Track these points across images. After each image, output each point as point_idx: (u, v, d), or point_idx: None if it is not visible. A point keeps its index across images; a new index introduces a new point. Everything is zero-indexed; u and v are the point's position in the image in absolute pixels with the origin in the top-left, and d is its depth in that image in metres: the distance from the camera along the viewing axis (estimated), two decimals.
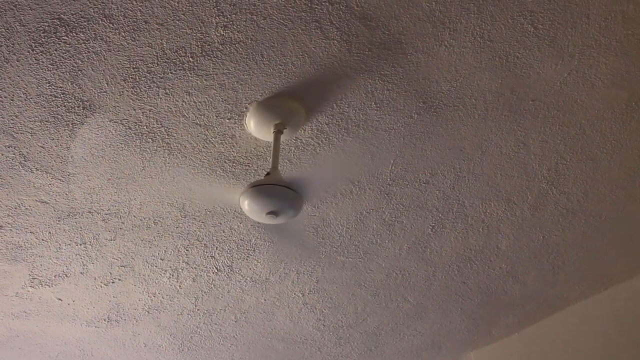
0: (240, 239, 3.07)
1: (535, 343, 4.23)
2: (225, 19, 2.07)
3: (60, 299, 3.40)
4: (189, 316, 3.55)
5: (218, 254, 3.15)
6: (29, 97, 2.30)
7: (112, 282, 3.23)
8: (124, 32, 2.10)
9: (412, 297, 3.68)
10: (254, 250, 3.16)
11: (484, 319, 4.03)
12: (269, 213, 2.50)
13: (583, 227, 3.24)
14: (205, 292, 3.39)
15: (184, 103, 2.39)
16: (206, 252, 3.13)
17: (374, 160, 2.72)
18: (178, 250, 3.09)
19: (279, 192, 2.49)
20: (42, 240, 2.98)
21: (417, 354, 4.23)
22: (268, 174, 2.53)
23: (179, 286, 3.32)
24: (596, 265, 3.62)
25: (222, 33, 2.12)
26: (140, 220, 2.90)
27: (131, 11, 2.03)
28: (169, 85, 2.31)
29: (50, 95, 2.30)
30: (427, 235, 3.22)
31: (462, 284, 3.63)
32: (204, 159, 2.62)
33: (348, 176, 2.80)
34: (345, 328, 3.87)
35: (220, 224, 2.97)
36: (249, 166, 2.67)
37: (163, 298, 3.38)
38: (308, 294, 3.53)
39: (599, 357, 3.95)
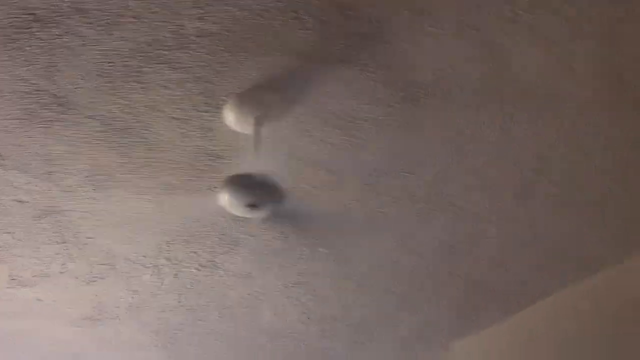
0: (222, 234, 3.04)
1: (521, 331, 4.23)
2: (201, 11, 2.04)
3: (40, 300, 3.36)
4: (173, 313, 3.52)
5: (200, 249, 3.12)
6: (2, 94, 2.26)
7: (93, 281, 3.20)
8: (99, 27, 2.06)
9: (398, 288, 3.66)
10: (236, 245, 3.13)
11: (470, 308, 4.03)
12: (248, 205, 2.48)
13: (570, 216, 3.24)
14: (188, 288, 3.36)
15: (160, 97, 2.36)
16: (187, 248, 3.10)
17: (356, 151, 2.70)
18: (159, 247, 3.06)
19: (258, 184, 2.47)
20: (20, 240, 2.94)
21: (404, 344, 4.23)
22: (247, 166, 2.51)
23: (161, 283, 3.29)
24: (583, 252, 3.62)
25: (197, 25, 2.09)
26: (120, 217, 2.86)
27: (105, 5, 1.99)
28: (145, 80, 2.27)
29: (25, 92, 2.26)
30: (412, 226, 3.21)
31: (448, 273, 3.62)
32: (182, 153, 2.59)
33: (330, 167, 2.78)
34: (330, 320, 3.85)
35: (201, 219, 2.93)
36: (228, 159, 2.64)
37: (145, 295, 3.35)
38: (291, 287, 3.51)
39: (585, 344, 3.95)
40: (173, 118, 2.45)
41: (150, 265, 3.16)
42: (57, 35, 2.07)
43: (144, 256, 3.09)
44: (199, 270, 3.25)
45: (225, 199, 2.49)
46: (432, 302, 3.85)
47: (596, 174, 2.95)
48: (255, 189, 2.47)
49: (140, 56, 2.18)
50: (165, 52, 2.18)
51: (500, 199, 3.10)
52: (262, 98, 2.46)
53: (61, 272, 3.16)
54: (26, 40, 2.08)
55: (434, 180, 2.92)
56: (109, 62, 2.19)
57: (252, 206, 2.48)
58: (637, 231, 3.50)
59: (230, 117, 2.49)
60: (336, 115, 2.51)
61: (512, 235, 3.38)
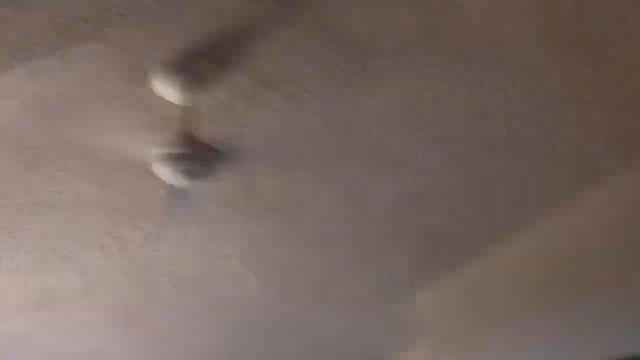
0: (166, 207, 2.95)
1: (482, 277, 4.23)
2: None
3: None
4: (124, 291, 3.43)
5: (145, 224, 3.03)
6: None
7: (39, 267, 3.09)
8: (14, 5, 1.94)
9: (352, 246, 3.62)
10: (182, 217, 3.05)
11: (427, 260, 4.00)
12: (184, 176, 2.40)
13: (520, 162, 3.22)
14: (137, 264, 3.27)
15: (86, 72, 2.25)
16: (132, 224, 3.01)
17: (298, 114, 2.63)
18: (103, 225, 2.96)
19: (193, 154, 2.39)
20: None
21: (363, 301, 4.20)
22: (184, 136, 2.42)
23: (109, 262, 3.20)
24: (533, 197, 3.61)
25: None
26: (59, 199, 2.75)
27: None
28: (68, 56, 2.16)
29: None
30: (361, 184, 3.15)
31: (403, 227, 3.59)
32: (116, 128, 2.49)
33: (271, 132, 2.70)
34: (287, 286, 3.80)
35: (143, 193, 2.84)
36: (162, 130, 2.54)
37: (94, 276, 3.26)
38: (245, 255, 3.44)
39: (541, 286, 3.98)
40: (103, 92, 2.34)
41: (96, 244, 3.06)
42: None
43: (88, 237, 3.00)
44: (146, 246, 3.17)
45: (164, 171, 2.41)
46: (389, 258, 3.82)
47: (544, 119, 2.93)
48: (190, 159, 2.39)
49: (62, 31, 2.07)
50: (87, 25, 2.07)
51: (450, 150, 3.06)
52: (193, 65, 2.37)
53: (5, 260, 3.05)
54: None
55: (380, 137, 2.86)
56: (30, 42, 2.08)
57: (192, 176, 2.40)
58: (585, 171, 3.51)
59: (161, 87, 2.40)
60: (274, 77, 2.42)
61: (464, 185, 3.35)
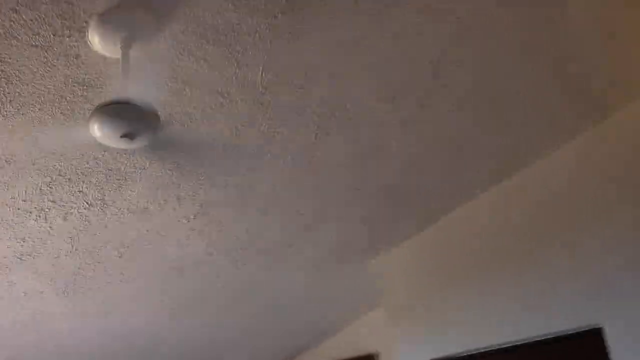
0: (108, 169, 2.82)
1: (439, 239, 4.18)
2: None
3: None
4: (68, 258, 3.29)
5: (86, 187, 2.89)
6: None
7: None
8: None
9: (305, 208, 3.53)
10: (125, 180, 2.91)
11: (383, 222, 3.94)
12: (123, 136, 2.26)
13: (476, 115, 3.14)
14: (80, 230, 3.13)
15: (12, 23, 2.10)
16: (72, 187, 2.86)
17: (242, 68, 2.50)
18: (40, 189, 2.81)
19: (131, 111, 2.25)
20: None
21: (317, 266, 4.12)
22: (120, 93, 2.28)
23: (50, 227, 3.05)
24: (497, 151, 3.56)
25: None
26: None
27: None
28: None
29: None
30: (311, 143, 3.05)
31: (356, 188, 3.50)
32: (48, 84, 2.34)
33: (215, 88, 2.57)
34: (238, 250, 3.69)
35: (82, 154, 2.70)
36: (100, 87, 2.40)
37: (34, 242, 3.11)
38: (193, 219, 3.32)
39: (506, 247, 3.95)
40: (32, 46, 2.19)
41: (34, 209, 2.91)
42: None
43: (24, 200, 2.84)
44: (88, 209, 3.03)
45: (99, 131, 2.27)
46: (344, 220, 3.74)
47: (498, 69, 2.85)
48: (128, 117, 2.25)
49: None
50: None
51: (400, 106, 2.97)
52: (128, 17, 2.22)
53: None
54: None
55: (327, 93, 2.75)
56: None
57: (127, 136, 2.26)
58: (544, 132, 3.45)
59: (96, 41, 2.25)
60: (215, 29, 2.29)
61: (418, 142, 3.27)
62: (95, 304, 3.68)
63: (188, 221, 3.32)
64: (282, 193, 3.34)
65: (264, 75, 2.57)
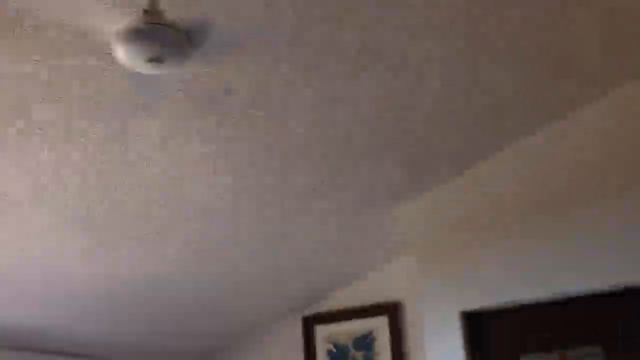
0: (128, 98, 2.56)
1: (476, 187, 3.95)
2: None
3: None
4: (82, 194, 3.05)
5: (105, 117, 2.64)
6: None
7: None
8: None
9: (335, 152, 3.28)
10: (149, 109, 2.66)
11: (416, 170, 3.70)
12: (150, 60, 2.02)
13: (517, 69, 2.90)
14: (97, 164, 2.89)
15: None
16: (90, 117, 2.61)
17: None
18: (56, 117, 2.57)
19: (160, 33, 2.00)
20: None
21: (345, 211, 3.89)
22: (146, 11, 2.02)
23: (64, 160, 2.81)
24: (541, 98, 3.31)
25: None
26: (5, 86, 2.35)
27: None
28: None
29: None
30: (343, 83, 2.80)
31: (388, 131, 3.25)
32: (72, 2, 2.08)
33: (251, 18, 2.31)
34: (266, 191, 3.46)
35: (101, 79, 2.44)
36: (126, 6, 2.12)
37: (48, 176, 2.88)
38: (218, 157, 3.08)
39: (553, 195, 3.73)
40: None
41: (48, 139, 2.68)
42: None
43: (39, 129, 2.61)
44: (106, 142, 2.77)
45: (120, 53, 2.02)
46: (375, 161, 3.50)
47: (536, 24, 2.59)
48: (157, 39, 2.00)
49: None
50: None
51: (446, 43, 2.71)
52: None
53: None
54: None
55: (366, 27, 2.50)
56: None
57: (155, 60, 2.02)
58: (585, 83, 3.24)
59: None
60: None
61: (458, 85, 3.03)
62: (108, 245, 3.47)
63: (213, 159, 3.08)
64: (312, 134, 3.09)
65: (303, 6, 2.31)
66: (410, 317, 4.66)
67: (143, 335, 4.71)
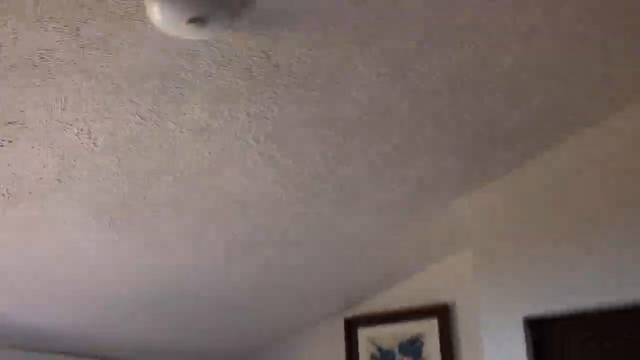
0: (165, 72, 2.26)
1: (542, 182, 3.60)
2: None
3: None
4: (113, 182, 2.75)
5: (137, 96, 2.34)
6: None
7: (1, 146, 2.41)
8: None
9: (394, 135, 2.96)
10: (185, 88, 2.36)
11: (479, 156, 3.36)
12: (192, 20, 1.70)
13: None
14: (128, 149, 2.59)
15: None
16: (121, 95, 2.31)
17: None
18: (81, 94, 2.27)
19: None
20: None
21: (401, 203, 3.57)
22: None
23: (94, 144, 2.51)
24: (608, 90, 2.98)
25: None
26: (20, 56, 2.06)
27: None
28: None
29: None
30: (412, 53, 2.47)
31: (452, 115, 2.93)
32: None
33: None
34: (313, 180, 3.13)
35: (135, 51, 2.14)
36: None
37: (75, 162, 2.58)
38: (264, 141, 2.77)
39: (612, 189, 3.40)
40: None
41: (75, 121, 2.38)
42: None
43: (63, 109, 2.31)
44: (140, 124, 2.47)
45: (155, 12, 1.71)
46: (435, 151, 3.18)
47: None
48: None
49: None
50: None
51: (524, 14, 2.38)
52: None
53: None
54: None
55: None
56: None
57: (197, 20, 1.70)
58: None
59: None
60: None
61: (532, 63, 2.70)
62: (138, 238, 3.17)
63: (257, 143, 2.77)
64: (370, 114, 2.77)
65: None
66: (462, 320, 4.34)
67: (177, 334, 4.42)
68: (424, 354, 4.44)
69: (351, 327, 4.74)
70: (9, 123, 2.30)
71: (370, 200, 3.41)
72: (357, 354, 4.70)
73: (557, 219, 3.52)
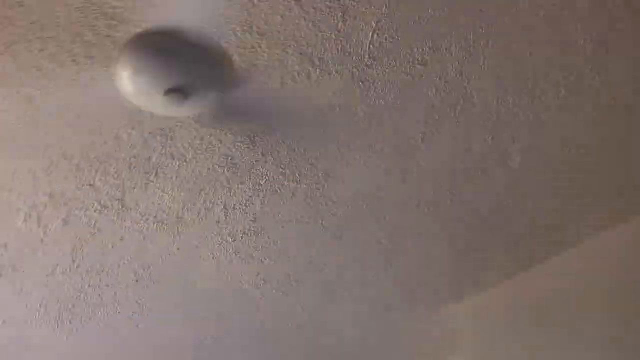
0: (134, 155, 1.96)
1: (538, 288, 3.37)
2: None
3: None
4: (65, 276, 2.42)
5: (99, 180, 2.03)
6: None
7: None
8: None
9: (385, 233, 2.68)
10: (156, 173, 2.05)
11: (471, 262, 3.11)
12: (170, 91, 1.40)
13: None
14: (85, 239, 2.28)
15: None
16: (80, 178, 2.01)
17: (346, 24, 1.70)
18: (35, 176, 1.95)
19: (186, 53, 1.39)
20: None
21: (384, 307, 3.29)
22: (165, 26, 1.43)
23: (43, 232, 2.19)
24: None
25: None
26: None
27: None
28: None
29: None
30: (415, 142, 2.21)
31: (449, 214, 2.66)
32: (60, 16, 1.50)
33: (305, 50, 1.74)
34: (293, 281, 2.82)
35: (99, 129, 1.84)
36: (135, 20, 1.53)
37: (22, 252, 2.25)
38: (241, 237, 2.46)
39: (613, 302, 3.16)
40: None
41: (24, 205, 2.06)
42: None
43: (10, 190, 1.99)
44: (99, 212, 2.16)
45: (126, 80, 1.41)
46: (426, 254, 2.91)
47: None
48: (181, 61, 1.40)
49: None
50: None
51: (537, 104, 2.14)
52: None
53: None
54: None
55: (453, 75, 1.95)
56: None
57: (177, 92, 1.40)
58: None
59: None
60: None
61: (543, 159, 2.45)
62: (97, 340, 2.83)
63: (233, 240, 2.46)
64: (361, 211, 2.49)
65: (375, 38, 1.78)
66: None
67: None
68: None
69: None
70: None
71: (349, 303, 3.15)
72: None
73: (555, 322, 3.28)
